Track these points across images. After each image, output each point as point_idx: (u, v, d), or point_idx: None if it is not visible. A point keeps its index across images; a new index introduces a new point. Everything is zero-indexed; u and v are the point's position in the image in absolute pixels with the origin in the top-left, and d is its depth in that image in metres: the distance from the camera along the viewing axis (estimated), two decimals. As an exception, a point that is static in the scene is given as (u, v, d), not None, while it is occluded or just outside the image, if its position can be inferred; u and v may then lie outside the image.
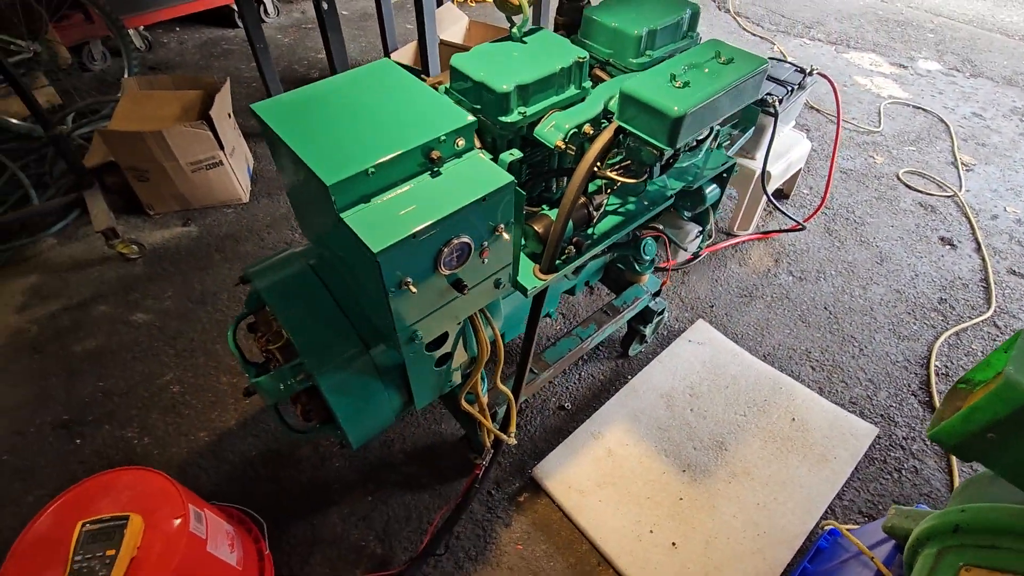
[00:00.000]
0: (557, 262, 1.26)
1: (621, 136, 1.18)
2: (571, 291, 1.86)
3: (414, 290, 0.93)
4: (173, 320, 2.33)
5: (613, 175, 1.20)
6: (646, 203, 1.45)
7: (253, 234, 2.70)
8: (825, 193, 2.61)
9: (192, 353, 2.21)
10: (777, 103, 2.23)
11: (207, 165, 2.62)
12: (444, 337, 1.23)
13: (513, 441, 1.52)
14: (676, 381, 2.07)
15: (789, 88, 2.33)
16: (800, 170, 2.77)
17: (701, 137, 1.38)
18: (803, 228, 2.64)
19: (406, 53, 3.00)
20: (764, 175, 2.30)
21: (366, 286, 1.00)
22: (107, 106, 3.13)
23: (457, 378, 1.40)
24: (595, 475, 1.82)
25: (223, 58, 3.88)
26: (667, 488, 1.79)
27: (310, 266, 1.23)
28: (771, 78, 2.38)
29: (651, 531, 1.70)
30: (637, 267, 1.87)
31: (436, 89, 1.27)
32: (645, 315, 2.05)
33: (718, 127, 1.55)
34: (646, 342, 2.18)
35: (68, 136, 2.93)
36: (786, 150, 2.55)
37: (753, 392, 2.04)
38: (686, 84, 1.04)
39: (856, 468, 1.89)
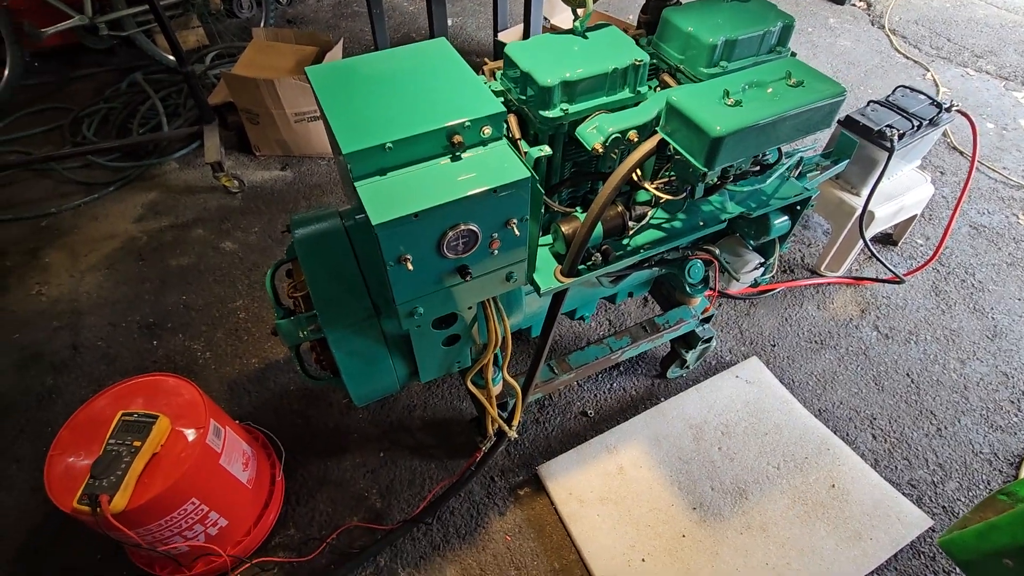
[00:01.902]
0: (581, 267, 1.22)
1: (668, 149, 1.11)
2: (612, 299, 1.81)
3: (410, 267, 0.95)
4: (253, 253, 2.55)
5: (651, 188, 1.14)
6: (699, 223, 1.36)
7: (338, 188, 2.87)
8: (938, 247, 2.29)
9: (262, 286, 2.41)
10: (896, 138, 1.99)
11: (309, 118, 2.82)
12: (453, 318, 1.25)
13: (514, 435, 1.51)
14: (711, 415, 1.95)
15: (916, 123, 2.06)
16: (916, 216, 2.45)
17: (768, 162, 1.26)
18: (901, 281, 2.35)
19: (513, 34, 3.01)
20: (863, 215, 2.07)
21: (373, 254, 1.03)
22: (241, 51, 3.45)
23: (467, 361, 1.42)
24: (600, 488, 1.78)
25: (351, 19, 4.11)
26: (672, 521, 1.70)
27: (345, 227, 1.30)
28: (898, 110, 2.13)
29: (643, 559, 1.63)
30: (688, 287, 1.77)
31: (494, 74, 1.27)
32: (689, 339, 1.94)
33: (801, 154, 1.41)
34: (687, 367, 2.06)
35: (201, 74, 3.27)
36: (901, 191, 2.27)
37: (794, 446, 1.87)
38: (738, 103, 0.96)
39: (895, 557, 1.68)
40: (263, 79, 2.56)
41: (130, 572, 1.65)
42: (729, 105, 0.96)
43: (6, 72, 3.20)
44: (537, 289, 1.20)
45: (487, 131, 0.99)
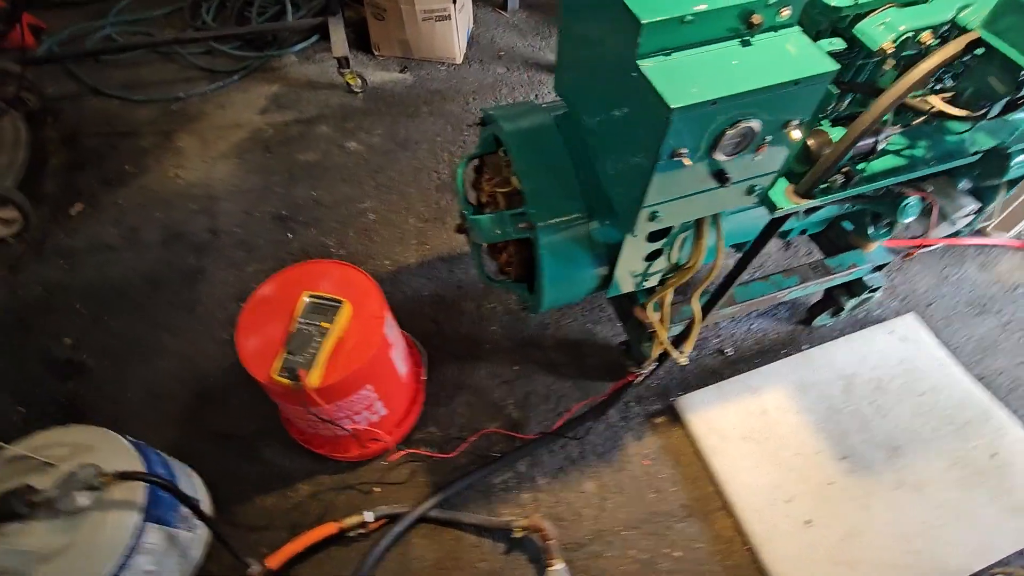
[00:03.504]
0: (818, 188, 1.11)
1: (969, 56, 0.96)
2: (785, 233, 1.68)
3: (688, 163, 0.86)
4: (377, 156, 2.50)
5: (939, 102, 0.99)
6: (945, 154, 1.21)
7: (460, 96, 2.75)
8: None
9: (388, 190, 2.38)
10: None
11: (437, 16, 2.67)
12: (667, 230, 1.17)
13: (684, 361, 1.46)
14: (863, 369, 1.85)
15: None
16: (1114, 178, 2.17)
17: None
18: (1090, 249, 2.11)
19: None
20: (1071, 169, 1.83)
21: (630, 148, 0.95)
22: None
23: (652, 281, 1.35)
24: (741, 427, 1.74)
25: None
26: (819, 468, 1.66)
27: (554, 120, 1.21)
28: None
29: (788, 501, 1.61)
30: (870, 230, 1.63)
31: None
32: (852, 287, 1.81)
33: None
34: (838, 316, 1.95)
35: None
36: (1111, 147, 1.99)
37: (953, 410, 1.77)
38: (1119, -5, 0.79)
39: (1054, 535, 1.60)
40: (400, -32, 2.41)
41: (282, 445, 1.74)
42: (1102, -2, 0.80)
43: (128, -52, 3.13)
44: (771, 208, 1.09)
45: (786, 13, 0.86)
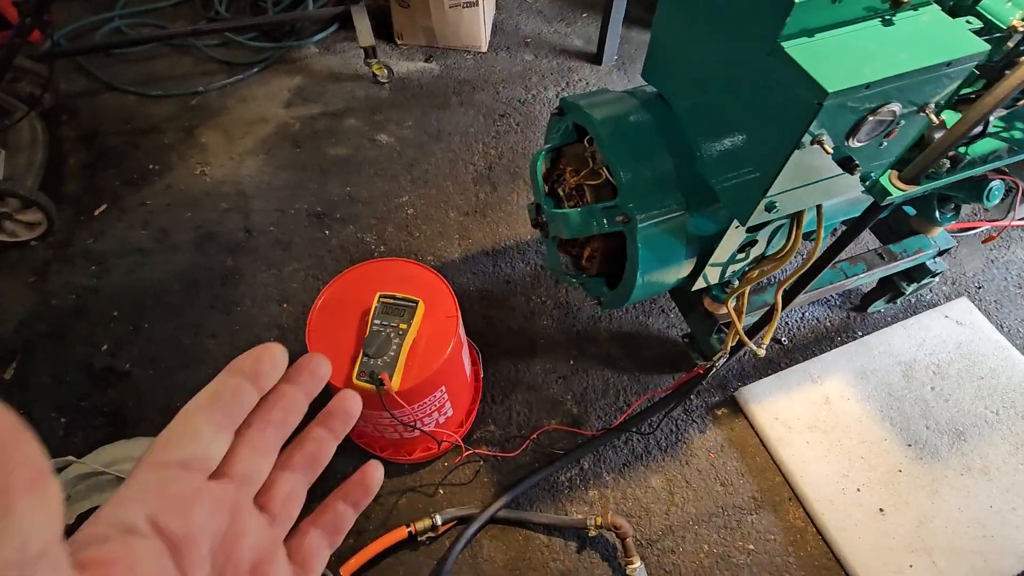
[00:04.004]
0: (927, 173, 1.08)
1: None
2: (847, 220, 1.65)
3: (829, 150, 0.82)
4: (410, 148, 2.44)
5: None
6: (1031, 136, 1.18)
7: (489, 85, 2.68)
8: None
9: (425, 183, 2.32)
10: None
11: (464, 3, 2.59)
12: (765, 222, 1.14)
13: (762, 353, 1.43)
14: (921, 354, 1.83)
15: None
16: None
17: None
18: None
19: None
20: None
21: (756, 136, 0.90)
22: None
23: (736, 271, 1.32)
24: (806, 416, 1.72)
25: None
26: (886, 455, 1.65)
27: (643, 107, 1.16)
28: None
29: (858, 489, 1.59)
30: (937, 214, 1.61)
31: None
32: (913, 273, 1.79)
33: None
34: (895, 302, 1.93)
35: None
36: None
37: (1014, 394, 1.76)
38: None
39: (1118, 514, 1.61)
40: (431, -48, 2.33)
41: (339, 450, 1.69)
42: None
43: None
44: (880, 196, 1.06)
45: (929, -10, 0.82)
